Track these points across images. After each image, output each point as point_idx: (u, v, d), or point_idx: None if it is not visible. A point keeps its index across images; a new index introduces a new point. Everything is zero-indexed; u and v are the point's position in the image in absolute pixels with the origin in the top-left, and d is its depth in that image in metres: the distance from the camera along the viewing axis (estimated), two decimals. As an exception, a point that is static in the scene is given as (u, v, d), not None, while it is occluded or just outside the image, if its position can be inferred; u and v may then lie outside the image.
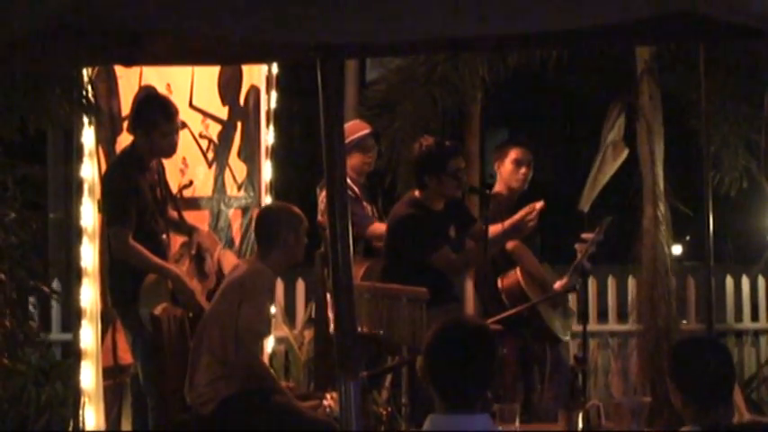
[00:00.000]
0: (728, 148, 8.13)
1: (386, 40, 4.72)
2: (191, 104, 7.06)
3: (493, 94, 8.94)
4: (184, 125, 6.50)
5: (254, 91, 7.51)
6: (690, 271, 9.18)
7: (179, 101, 6.54)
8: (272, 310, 7.55)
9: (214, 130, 7.25)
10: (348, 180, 5.68)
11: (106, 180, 6.24)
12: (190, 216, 6.62)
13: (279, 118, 7.71)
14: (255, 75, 7.50)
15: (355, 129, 7.08)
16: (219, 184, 7.27)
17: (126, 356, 6.37)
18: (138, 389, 6.18)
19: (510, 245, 6.88)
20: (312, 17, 3.80)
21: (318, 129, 4.49)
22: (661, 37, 5.60)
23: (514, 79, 8.70)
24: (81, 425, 6.24)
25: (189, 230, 6.41)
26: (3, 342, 5.82)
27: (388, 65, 9.06)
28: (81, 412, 6.26)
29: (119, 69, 6.42)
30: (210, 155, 7.22)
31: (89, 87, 5.82)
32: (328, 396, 5.71)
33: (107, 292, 6.26)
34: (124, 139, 6.41)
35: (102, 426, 6.30)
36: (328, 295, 6.61)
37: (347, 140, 6.51)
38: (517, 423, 4.98)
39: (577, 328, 7.29)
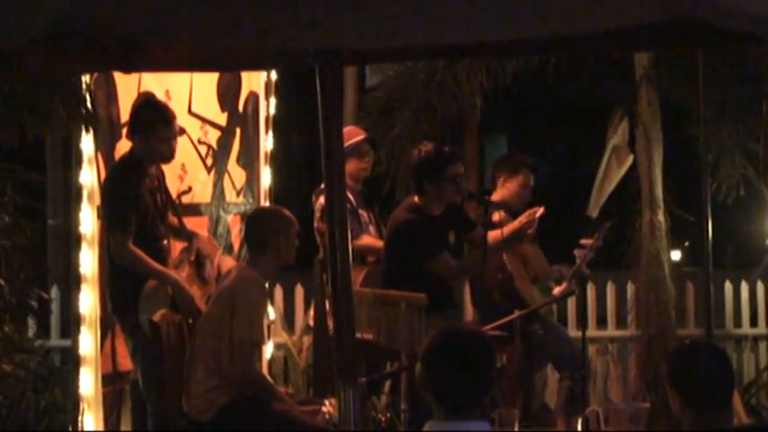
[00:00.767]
0: (726, 156, 8.13)
1: (384, 46, 4.73)
2: (190, 111, 7.06)
3: (491, 101, 8.95)
4: (183, 131, 6.50)
5: (253, 97, 7.51)
6: (689, 277, 9.18)
7: (178, 107, 6.54)
8: (271, 315, 7.56)
9: (213, 136, 7.25)
10: None
11: (106, 186, 6.24)
12: (189, 222, 6.62)
13: (278, 124, 7.72)
14: (254, 81, 7.51)
15: (350, 135, 7.07)
16: (218, 190, 7.27)
17: (125, 363, 6.37)
18: (137, 395, 6.17)
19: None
20: (311, 24, 3.81)
21: (317, 135, 4.50)
22: (660, 43, 5.60)
23: (513, 86, 8.71)
24: (80, 431, 6.24)
25: (189, 236, 6.41)
26: (2, 348, 5.82)
27: (388, 71, 9.07)
28: (80, 418, 6.26)
29: (117, 76, 6.42)
30: (209, 161, 7.22)
31: (88, 94, 5.82)
32: (327, 402, 5.70)
33: (107, 298, 6.25)
34: (123, 146, 6.41)
35: (101, 432, 6.30)
36: (327, 301, 6.61)
37: (343, 147, 6.49)
38: (516, 429, 4.98)
39: (576, 333, 7.28)
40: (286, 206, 6.14)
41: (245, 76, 7.40)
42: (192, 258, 6.30)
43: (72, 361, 6.37)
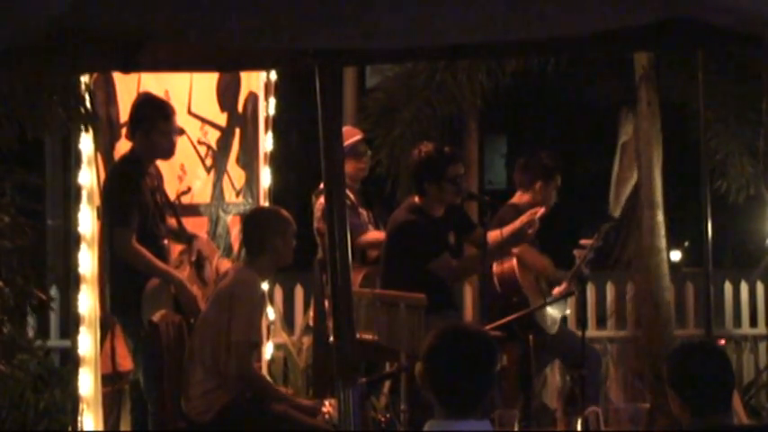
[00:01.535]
0: (733, 156, 8.13)
1: (384, 46, 4.72)
2: (189, 111, 7.06)
3: (491, 101, 8.95)
4: (183, 132, 6.50)
5: (253, 97, 7.50)
6: (689, 277, 9.18)
7: (178, 107, 6.53)
8: (271, 316, 7.56)
9: (213, 136, 7.25)
10: None
11: (107, 184, 6.24)
12: (188, 222, 6.61)
13: (277, 124, 7.71)
14: (254, 81, 7.50)
15: (347, 135, 7.05)
16: (218, 191, 7.27)
17: (124, 363, 6.36)
18: (137, 395, 6.17)
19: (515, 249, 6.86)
20: (311, 24, 3.81)
21: (317, 135, 4.50)
22: (660, 43, 5.60)
23: (513, 86, 8.71)
24: (79, 431, 6.23)
25: (189, 239, 6.41)
26: (1, 349, 5.82)
27: (387, 72, 9.07)
28: (79, 419, 6.25)
29: (117, 76, 6.42)
30: (209, 161, 7.21)
31: (87, 94, 5.82)
32: (327, 403, 5.70)
33: (108, 298, 6.25)
34: (123, 146, 6.41)
35: (101, 432, 6.30)
36: (326, 302, 6.61)
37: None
38: (516, 429, 4.98)
39: (576, 333, 7.27)
40: (285, 207, 6.13)
41: (244, 76, 7.39)
42: (193, 259, 6.30)
43: (71, 361, 6.37)
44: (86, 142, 6.28)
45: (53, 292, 7.82)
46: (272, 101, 7.63)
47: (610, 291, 8.89)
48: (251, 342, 5.72)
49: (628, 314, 8.58)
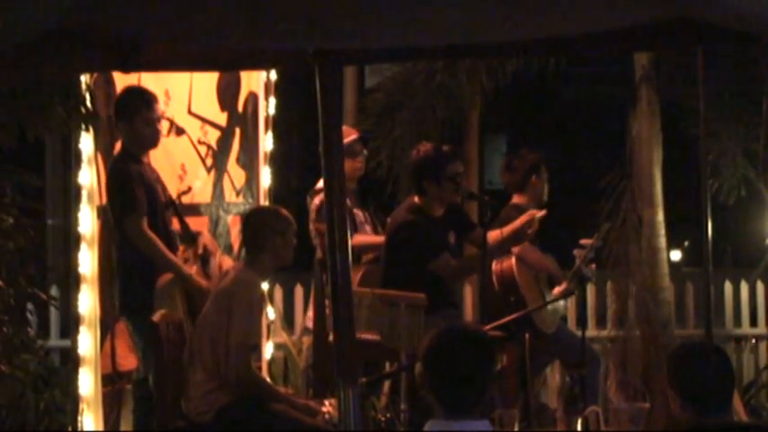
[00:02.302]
0: (727, 156, 8.13)
1: (384, 46, 4.73)
2: (189, 111, 7.07)
3: (491, 101, 8.95)
4: (183, 131, 6.51)
5: (253, 97, 7.51)
6: (688, 277, 9.18)
7: (178, 107, 6.55)
8: (271, 316, 7.56)
9: (213, 136, 7.25)
10: None
11: (109, 178, 6.26)
12: (189, 222, 6.61)
13: (277, 124, 7.71)
14: (254, 81, 7.50)
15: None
16: (218, 191, 7.27)
17: (125, 363, 6.37)
18: (141, 394, 6.17)
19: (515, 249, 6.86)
20: (310, 24, 3.81)
21: (317, 135, 4.50)
22: (660, 43, 5.60)
23: (513, 86, 8.72)
24: (80, 431, 6.23)
25: (192, 237, 6.40)
26: (1, 349, 5.82)
27: (387, 72, 9.08)
28: (79, 419, 6.26)
29: (117, 76, 6.42)
30: (209, 161, 7.22)
31: (88, 94, 5.83)
32: (327, 403, 5.70)
33: (117, 298, 6.25)
34: (122, 146, 6.42)
35: (101, 432, 6.30)
36: (327, 301, 6.61)
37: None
38: (516, 429, 4.98)
39: (576, 333, 7.27)
40: (285, 206, 6.13)
41: (244, 76, 7.40)
42: (200, 252, 6.29)
43: (71, 361, 6.37)
44: (86, 142, 6.29)
45: (53, 291, 7.82)
46: (272, 101, 7.63)
47: (610, 290, 8.89)
48: (249, 345, 5.71)
49: (628, 314, 8.58)
